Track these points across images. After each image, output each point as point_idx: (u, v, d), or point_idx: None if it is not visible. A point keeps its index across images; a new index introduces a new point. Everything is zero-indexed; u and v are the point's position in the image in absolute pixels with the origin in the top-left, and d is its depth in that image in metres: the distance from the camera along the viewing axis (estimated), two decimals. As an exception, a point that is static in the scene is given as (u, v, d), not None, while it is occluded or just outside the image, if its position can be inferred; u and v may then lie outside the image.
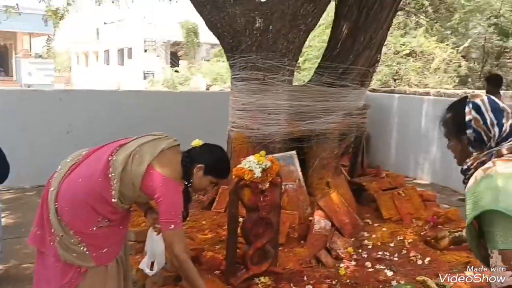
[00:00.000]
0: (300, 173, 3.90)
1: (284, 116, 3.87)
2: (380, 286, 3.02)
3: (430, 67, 12.44)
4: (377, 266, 3.27)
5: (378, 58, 4.47)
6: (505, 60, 16.61)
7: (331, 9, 4.89)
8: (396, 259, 3.40)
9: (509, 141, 1.49)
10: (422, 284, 2.97)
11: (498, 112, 1.52)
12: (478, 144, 1.53)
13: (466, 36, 14.27)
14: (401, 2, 13.53)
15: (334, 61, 4.19)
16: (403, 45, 12.88)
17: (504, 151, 1.47)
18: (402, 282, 3.04)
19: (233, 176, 2.75)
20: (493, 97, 1.59)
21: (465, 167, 1.56)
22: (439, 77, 12.61)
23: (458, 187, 6.44)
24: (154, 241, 2.50)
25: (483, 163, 1.47)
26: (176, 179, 2.23)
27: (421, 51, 12.89)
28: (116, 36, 33.20)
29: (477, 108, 1.53)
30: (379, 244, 3.58)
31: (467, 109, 1.53)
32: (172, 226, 2.15)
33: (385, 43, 13.26)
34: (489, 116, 1.51)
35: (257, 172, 2.68)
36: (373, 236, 3.67)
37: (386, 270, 3.21)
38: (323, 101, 4.06)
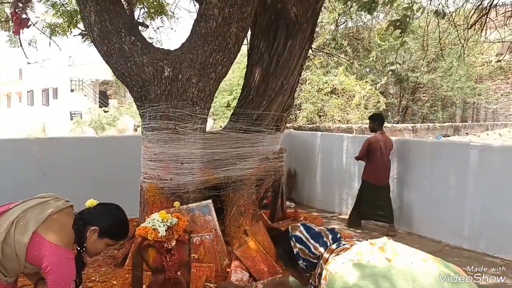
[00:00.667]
0: (217, 223, 3.81)
1: (198, 164, 3.80)
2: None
3: (351, 104, 13.08)
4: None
5: (291, 103, 4.58)
6: (419, 95, 17.91)
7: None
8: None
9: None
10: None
11: (316, 236, 1.79)
12: (311, 267, 1.77)
13: (383, 73, 15.26)
14: (322, 43, 14.24)
15: (248, 108, 4.23)
16: (325, 83, 13.48)
17: (326, 255, 1.71)
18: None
19: (137, 236, 2.61)
20: (308, 224, 1.88)
21: (312, 287, 1.78)
22: (360, 113, 13.28)
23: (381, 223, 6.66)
24: None
25: (320, 275, 1.68)
26: (66, 245, 2.07)
27: (343, 89, 13.55)
28: (40, 76, 31.92)
29: (299, 240, 1.79)
30: (298, 292, 3.53)
31: (292, 244, 1.80)
32: None
33: (309, 81, 13.80)
34: (311, 243, 1.77)
35: (162, 231, 2.56)
36: (292, 283, 3.62)
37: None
38: (238, 147, 4.06)
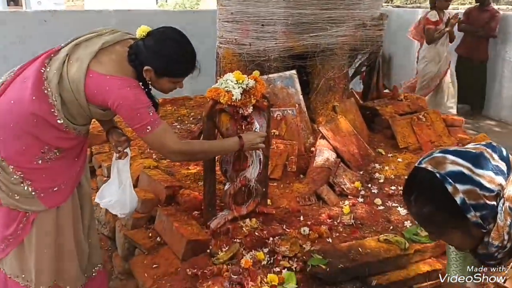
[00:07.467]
0: (301, 97, 3.31)
1: (281, 27, 3.21)
2: (391, 227, 2.54)
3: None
4: (389, 204, 2.77)
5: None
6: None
7: None
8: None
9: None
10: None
11: (479, 160, 1.04)
12: (488, 217, 1.04)
13: None
14: None
15: (344, -41, 3.42)
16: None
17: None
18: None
19: (208, 99, 2.21)
20: (449, 148, 1.09)
21: (493, 249, 1.08)
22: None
23: (491, 113, 5.92)
24: (121, 173, 2.04)
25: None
26: (126, 75, 1.75)
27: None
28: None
29: (460, 178, 1.02)
30: (393, 177, 3.04)
31: (450, 188, 1.02)
32: (149, 128, 1.71)
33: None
34: (479, 175, 1.02)
35: (236, 94, 2.12)
36: (386, 168, 3.13)
37: (399, 208, 2.71)
38: (330, 9, 3.35)
